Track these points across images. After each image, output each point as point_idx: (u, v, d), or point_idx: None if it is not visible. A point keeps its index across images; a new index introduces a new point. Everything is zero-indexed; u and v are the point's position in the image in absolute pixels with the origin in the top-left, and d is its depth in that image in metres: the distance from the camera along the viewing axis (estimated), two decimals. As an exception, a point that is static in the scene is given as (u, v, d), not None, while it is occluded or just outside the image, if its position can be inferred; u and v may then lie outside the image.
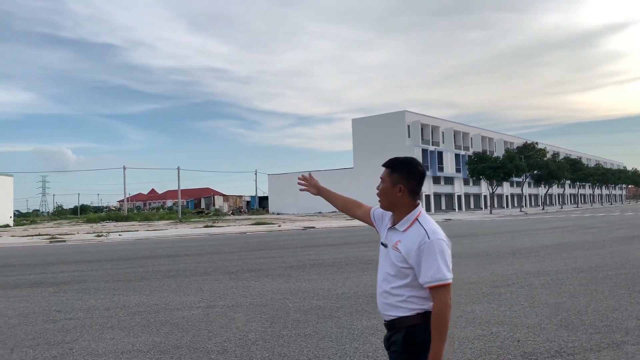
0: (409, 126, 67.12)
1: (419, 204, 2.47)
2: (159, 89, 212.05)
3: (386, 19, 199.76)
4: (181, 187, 71.73)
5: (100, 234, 32.34)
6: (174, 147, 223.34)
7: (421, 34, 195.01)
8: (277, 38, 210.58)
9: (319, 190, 2.97)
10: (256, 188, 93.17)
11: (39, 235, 33.33)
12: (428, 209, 67.52)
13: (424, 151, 67.11)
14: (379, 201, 2.54)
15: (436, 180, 70.54)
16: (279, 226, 34.57)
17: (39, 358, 5.24)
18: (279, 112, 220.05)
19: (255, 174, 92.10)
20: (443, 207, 71.82)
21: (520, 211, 64.56)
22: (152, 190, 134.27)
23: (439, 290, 2.26)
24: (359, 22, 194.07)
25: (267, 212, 78.33)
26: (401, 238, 2.40)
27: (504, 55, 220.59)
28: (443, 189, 72.04)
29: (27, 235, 33.40)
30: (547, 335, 5.50)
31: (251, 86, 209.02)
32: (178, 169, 69.54)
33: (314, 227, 32.23)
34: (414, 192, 2.45)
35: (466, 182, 76.75)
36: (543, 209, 77.18)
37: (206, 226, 38.09)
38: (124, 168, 70.78)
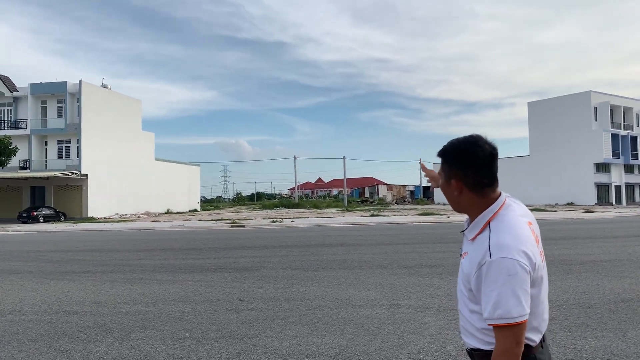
0: (595, 108, 59.72)
1: (497, 197, 1.75)
2: (325, 82, 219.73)
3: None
4: (346, 177, 73.09)
5: (274, 220, 34.03)
6: (339, 138, 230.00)
7: (609, 5, 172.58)
8: (443, 24, 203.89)
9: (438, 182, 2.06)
10: (420, 178, 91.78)
11: (222, 219, 36.26)
12: (619, 201, 59.70)
13: (614, 136, 59.26)
14: None
15: (629, 168, 61.95)
16: (448, 217, 32.94)
17: (224, 353, 4.93)
18: (442, 99, 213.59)
19: (420, 163, 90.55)
20: (637, 199, 62.88)
21: None
22: (319, 179, 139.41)
23: (500, 331, 1.61)
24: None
25: (432, 202, 76.33)
26: (469, 249, 1.75)
27: None
28: (638, 178, 63.02)
29: (212, 220, 36.53)
30: None
31: (415, 74, 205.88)
32: (344, 158, 70.88)
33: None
34: (480, 185, 1.74)
35: (667, 171, 66.35)
36: None
37: (372, 215, 37.92)
38: (295, 158, 74.68)
